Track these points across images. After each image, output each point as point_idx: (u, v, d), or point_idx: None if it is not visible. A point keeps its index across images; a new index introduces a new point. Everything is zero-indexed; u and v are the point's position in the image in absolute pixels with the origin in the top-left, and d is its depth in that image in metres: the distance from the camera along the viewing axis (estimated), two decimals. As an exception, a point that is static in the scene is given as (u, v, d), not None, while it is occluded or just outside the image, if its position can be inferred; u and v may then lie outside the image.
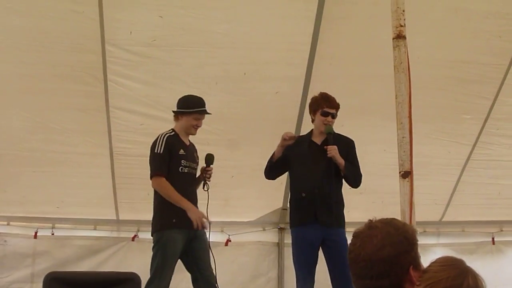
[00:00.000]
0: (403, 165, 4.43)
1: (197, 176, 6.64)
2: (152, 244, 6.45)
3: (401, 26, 4.52)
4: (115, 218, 8.66)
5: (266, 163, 6.64)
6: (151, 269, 6.36)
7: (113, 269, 8.17)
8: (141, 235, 8.66)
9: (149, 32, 7.07)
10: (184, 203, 6.28)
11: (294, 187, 6.62)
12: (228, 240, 8.75)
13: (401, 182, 4.43)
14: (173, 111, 6.56)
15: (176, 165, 6.41)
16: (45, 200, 8.31)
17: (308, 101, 7.61)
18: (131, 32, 7.01)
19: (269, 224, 9.06)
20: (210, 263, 6.51)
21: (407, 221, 4.30)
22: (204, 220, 6.35)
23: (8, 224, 8.44)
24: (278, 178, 8.38)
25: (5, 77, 7.28)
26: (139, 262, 8.35)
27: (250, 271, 8.92)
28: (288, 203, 6.86)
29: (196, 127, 6.55)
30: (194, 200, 6.51)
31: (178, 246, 6.33)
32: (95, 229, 8.67)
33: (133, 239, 8.67)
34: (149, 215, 8.42)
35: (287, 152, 6.49)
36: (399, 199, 4.45)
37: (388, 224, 2.76)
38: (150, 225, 8.40)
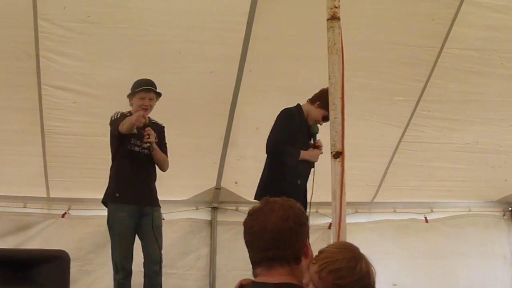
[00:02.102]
0: (335, 145, 4.43)
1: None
2: None
3: (336, 7, 4.50)
4: (46, 195, 8.52)
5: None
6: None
7: (41, 247, 8.01)
8: (72, 212, 8.61)
9: (84, 8, 6.91)
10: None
11: (289, 172, 6.60)
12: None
13: (333, 162, 4.43)
14: (127, 96, 6.73)
15: (125, 143, 6.58)
16: (-27, 177, 8.13)
17: (244, 80, 7.68)
18: (64, 8, 6.83)
19: (202, 203, 9.08)
20: (155, 239, 6.63)
21: (338, 201, 4.33)
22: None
23: None
24: (211, 157, 8.45)
25: None
26: (69, 239, 8.35)
27: (180, 248, 8.91)
28: (262, 187, 6.71)
29: (143, 106, 6.62)
30: (142, 178, 6.67)
31: (125, 225, 6.59)
32: (25, 207, 8.53)
33: (63, 216, 8.57)
34: (80, 193, 8.43)
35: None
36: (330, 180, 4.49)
37: (285, 200, 2.91)
38: (81, 203, 8.50)
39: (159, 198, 8.48)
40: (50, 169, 8.16)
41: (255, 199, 6.71)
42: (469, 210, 9.87)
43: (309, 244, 2.90)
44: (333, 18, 4.48)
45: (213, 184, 8.86)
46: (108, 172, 7.33)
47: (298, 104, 6.84)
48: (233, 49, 7.47)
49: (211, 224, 9.10)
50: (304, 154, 6.59)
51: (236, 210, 9.07)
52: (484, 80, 8.15)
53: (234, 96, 7.85)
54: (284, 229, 2.78)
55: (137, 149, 6.61)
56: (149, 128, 6.54)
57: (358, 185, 8.81)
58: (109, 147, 6.76)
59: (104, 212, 8.47)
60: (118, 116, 6.57)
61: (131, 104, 6.69)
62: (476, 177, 9.34)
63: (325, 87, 6.59)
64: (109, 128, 6.67)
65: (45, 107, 7.55)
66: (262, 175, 6.78)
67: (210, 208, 9.10)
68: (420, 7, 7.45)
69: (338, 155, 4.44)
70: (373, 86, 8.02)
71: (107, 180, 7.67)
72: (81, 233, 8.60)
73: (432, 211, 9.70)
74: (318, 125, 6.75)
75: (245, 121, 8.05)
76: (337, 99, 4.45)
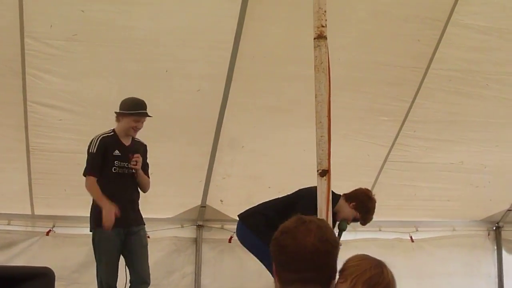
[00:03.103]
0: (321, 163, 4.45)
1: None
2: None
3: (323, 26, 4.53)
4: (30, 213, 8.46)
5: None
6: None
7: (25, 264, 7.98)
8: (57, 230, 8.54)
9: (70, 26, 6.91)
10: (101, 202, 6.39)
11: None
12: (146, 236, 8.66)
13: (319, 180, 4.46)
14: (115, 112, 6.68)
15: (109, 165, 6.56)
16: (-44, 194, 8.06)
17: (230, 99, 7.68)
18: (51, 26, 6.84)
19: (187, 221, 9.02)
20: (144, 258, 6.75)
21: (324, 219, 4.35)
22: (113, 220, 6.36)
23: None
24: (196, 175, 8.43)
25: None
26: (54, 257, 8.29)
27: (165, 266, 8.88)
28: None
29: (136, 129, 6.69)
30: (127, 200, 6.67)
31: (111, 243, 6.54)
32: (9, 224, 8.45)
33: (47, 233, 8.49)
34: (65, 211, 8.39)
35: None
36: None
37: (319, 220, 2.91)
38: (66, 221, 8.44)
39: (144, 216, 8.50)
40: (34, 186, 8.10)
41: (239, 216, 6.76)
42: (454, 230, 9.91)
43: None
44: (320, 37, 4.51)
45: (198, 202, 8.82)
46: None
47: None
48: (219, 67, 7.48)
49: (196, 242, 9.04)
50: None
51: (222, 228, 9.02)
52: (469, 100, 8.24)
53: (220, 114, 7.85)
54: (322, 251, 2.70)
55: (121, 171, 6.61)
56: (138, 155, 6.62)
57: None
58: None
59: (88, 230, 8.52)
60: (95, 148, 6.54)
61: (119, 121, 6.68)
62: (460, 197, 9.41)
63: (363, 187, 6.84)
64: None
65: (31, 124, 7.51)
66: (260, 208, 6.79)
67: (195, 226, 9.03)
68: (406, 28, 7.51)
69: (324, 173, 4.46)
70: (359, 105, 8.06)
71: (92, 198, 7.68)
72: (66, 252, 8.52)
73: (417, 230, 9.72)
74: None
75: (231, 139, 8.05)
76: (324, 117, 4.47)
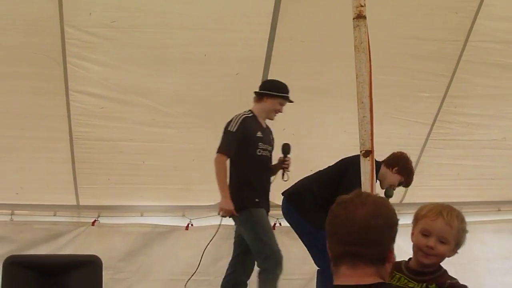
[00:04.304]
0: (364, 144, 4.43)
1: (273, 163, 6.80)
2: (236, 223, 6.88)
3: (361, 6, 4.51)
4: (75, 203, 8.54)
5: None
6: (255, 247, 6.55)
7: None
8: (102, 220, 8.59)
9: (109, 13, 6.99)
10: (223, 190, 6.46)
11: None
12: (190, 224, 8.70)
13: (362, 161, 4.45)
14: (257, 92, 6.70)
15: (253, 147, 6.56)
16: (3, 187, 8.16)
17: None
18: (90, 14, 6.93)
19: (230, 207, 9.00)
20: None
21: None
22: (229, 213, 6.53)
23: (-35, 212, 8.32)
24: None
25: (-41, 61, 7.16)
26: (100, 247, 8.32)
27: (211, 254, 8.87)
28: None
29: (277, 112, 6.70)
30: (267, 185, 6.73)
31: (267, 219, 6.69)
32: (55, 215, 8.55)
33: (93, 223, 8.56)
34: (110, 200, 8.45)
35: None
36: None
37: (380, 197, 2.78)
38: (111, 210, 8.47)
39: (187, 204, 8.56)
40: (79, 176, 8.18)
41: (283, 193, 6.78)
42: (499, 210, 9.65)
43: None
44: (359, 16, 4.49)
45: (240, 188, 8.80)
46: (138, 178, 7.42)
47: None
48: (257, 50, 7.51)
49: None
50: None
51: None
52: (510, 73, 8.12)
53: (259, 98, 7.84)
54: (371, 225, 2.57)
55: (264, 153, 6.64)
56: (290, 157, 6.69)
57: (386, 184, 8.80)
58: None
59: (133, 219, 8.61)
60: (235, 128, 6.51)
61: (260, 101, 6.70)
62: (505, 175, 9.17)
63: (396, 151, 6.85)
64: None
65: (73, 113, 7.61)
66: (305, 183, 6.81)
67: (238, 212, 9.02)
68: (443, 1, 7.45)
69: (367, 153, 4.44)
70: (398, 82, 8.00)
71: (136, 186, 7.77)
72: (112, 241, 8.58)
73: (462, 212, 9.50)
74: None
75: (272, 122, 8.05)
76: (366, 97, 4.45)
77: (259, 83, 7.68)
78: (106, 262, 7.91)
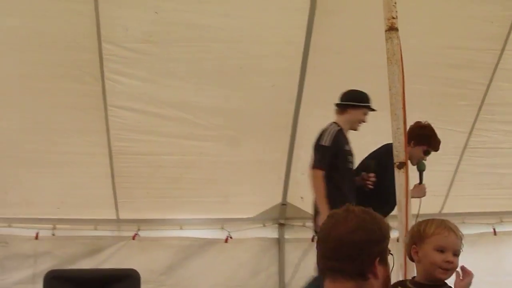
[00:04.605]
0: (398, 156, 4.46)
1: None
2: None
3: (393, 18, 4.55)
4: (115, 217, 8.63)
5: None
6: None
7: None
8: (142, 234, 8.66)
9: (145, 28, 7.09)
10: (323, 205, 6.28)
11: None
12: (229, 237, 8.74)
13: (397, 173, 4.47)
14: (339, 104, 6.64)
15: (344, 160, 6.51)
16: (45, 201, 8.28)
17: (305, 94, 7.72)
18: (127, 29, 7.04)
19: (269, 220, 9.01)
20: None
21: (403, 212, 4.35)
22: None
23: (9, 226, 8.43)
24: (275, 173, 8.46)
25: (3, 78, 7.29)
26: (140, 261, 8.41)
27: (250, 267, 8.91)
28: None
29: (362, 122, 6.64)
30: (355, 198, 6.49)
31: None
32: (95, 229, 8.64)
33: (133, 237, 8.65)
34: (149, 214, 8.53)
35: None
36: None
37: (366, 212, 2.77)
38: (151, 224, 8.54)
39: (226, 216, 8.60)
40: (118, 190, 8.28)
41: None
42: None
43: (384, 265, 2.75)
44: (391, 29, 4.53)
45: (279, 200, 8.83)
46: (176, 191, 7.49)
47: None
48: (292, 62, 7.55)
49: (279, 242, 9.06)
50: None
51: (303, 226, 8.85)
52: (547, 80, 8.09)
53: (296, 109, 7.90)
54: (346, 241, 2.65)
55: (351, 166, 6.63)
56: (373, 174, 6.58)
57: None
58: None
59: (172, 232, 8.67)
60: (330, 142, 6.38)
61: (343, 113, 6.62)
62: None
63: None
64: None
65: (112, 128, 7.72)
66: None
67: (277, 225, 9.02)
68: (478, 11, 7.44)
69: (401, 165, 4.47)
70: (435, 91, 8.00)
71: (175, 199, 7.85)
72: (152, 255, 8.64)
73: (502, 221, 9.40)
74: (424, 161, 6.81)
75: (308, 134, 8.05)
76: (399, 109, 4.48)
77: (295, 95, 7.74)
78: (147, 275, 8.11)
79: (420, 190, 6.79)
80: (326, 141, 6.40)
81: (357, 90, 6.70)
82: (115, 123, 7.71)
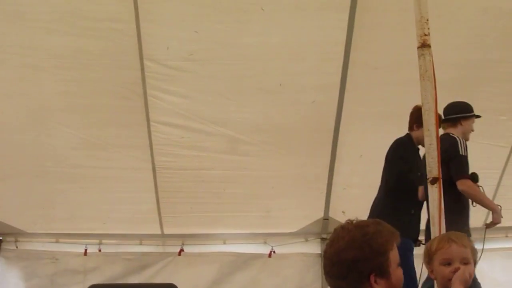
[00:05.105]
0: (431, 171, 4.48)
1: None
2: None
3: (425, 35, 4.58)
4: (160, 232, 8.78)
5: None
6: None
7: (160, 284, 8.30)
8: (187, 249, 8.81)
9: (186, 47, 7.24)
10: (492, 206, 6.50)
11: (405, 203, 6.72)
12: (272, 252, 8.82)
13: (430, 188, 4.50)
14: (451, 117, 6.64)
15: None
16: (91, 216, 8.51)
17: (345, 108, 7.78)
18: (168, 48, 7.20)
19: (311, 234, 9.07)
20: None
21: (437, 228, 4.37)
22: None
23: (57, 241, 8.64)
24: (317, 187, 8.51)
25: (49, 95, 7.54)
26: (186, 276, 8.55)
27: (295, 282, 8.95)
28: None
29: (472, 131, 6.77)
30: None
31: None
32: (140, 244, 8.81)
33: (179, 253, 8.79)
34: (193, 229, 8.64)
35: None
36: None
37: (358, 228, 2.83)
38: (194, 238, 8.62)
39: (269, 231, 8.67)
40: (162, 205, 8.44)
41: None
42: None
43: (387, 278, 2.80)
44: (424, 45, 4.56)
45: (321, 214, 8.88)
46: (219, 206, 7.61)
47: (407, 133, 6.95)
48: (332, 78, 7.61)
49: (322, 257, 9.05)
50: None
51: (346, 241, 8.96)
52: None
53: (336, 124, 7.96)
54: (336, 260, 2.75)
55: None
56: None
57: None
58: None
59: (216, 247, 8.76)
60: (466, 151, 6.41)
61: (456, 126, 6.62)
62: None
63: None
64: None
65: (155, 143, 7.88)
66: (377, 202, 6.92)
67: (319, 239, 9.07)
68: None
69: (435, 181, 4.49)
70: (476, 106, 7.93)
71: (218, 214, 7.96)
72: (197, 270, 8.78)
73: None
74: None
75: (348, 149, 8.12)
76: (432, 125, 4.50)
77: (335, 111, 7.78)
78: (189, 288, 8.23)
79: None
80: (463, 151, 6.41)
81: (461, 102, 6.74)
82: (159, 138, 7.87)
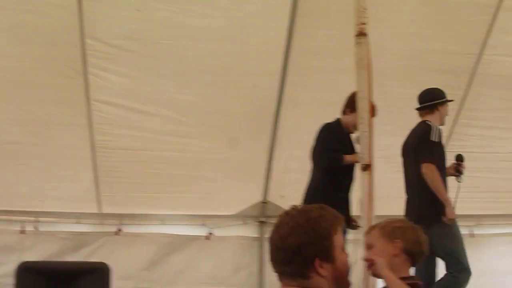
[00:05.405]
0: (363, 158, 4.55)
1: None
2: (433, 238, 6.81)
3: (363, 24, 4.67)
4: (98, 211, 8.70)
5: None
6: (454, 258, 6.61)
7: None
8: (124, 229, 8.73)
9: (128, 25, 7.20)
10: (445, 196, 6.58)
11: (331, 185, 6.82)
12: (210, 234, 8.83)
13: (361, 175, 4.56)
14: (427, 104, 6.83)
15: (444, 158, 6.81)
16: (28, 194, 8.36)
17: (286, 93, 7.83)
18: (110, 26, 7.15)
19: (250, 217, 9.07)
20: None
21: (366, 213, 4.44)
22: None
23: (-7, 217, 8.54)
24: (257, 171, 8.55)
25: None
26: (123, 256, 8.51)
27: (232, 265, 8.98)
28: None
29: (447, 115, 6.95)
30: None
31: None
32: (78, 222, 8.72)
33: (117, 233, 8.74)
34: (131, 209, 8.60)
35: None
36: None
37: (302, 213, 2.78)
38: (133, 218, 8.56)
39: (207, 213, 8.66)
40: (101, 184, 8.35)
41: None
42: None
43: (331, 262, 2.76)
44: (361, 34, 4.64)
45: (259, 198, 8.90)
46: (159, 187, 7.59)
47: (337, 118, 7.02)
48: (274, 63, 7.64)
49: (260, 240, 9.14)
50: (350, 157, 6.67)
51: (284, 224, 8.98)
52: (525, 86, 8.19)
53: (276, 109, 8.00)
54: (280, 246, 2.71)
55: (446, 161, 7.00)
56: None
57: (402, 197, 8.83)
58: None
59: (154, 228, 8.73)
60: (437, 137, 6.62)
61: (433, 112, 6.79)
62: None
63: None
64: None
65: (95, 122, 7.80)
66: (306, 187, 6.98)
67: (258, 223, 9.08)
68: (457, 15, 7.55)
69: (366, 167, 4.56)
70: (414, 96, 8.06)
71: (157, 195, 7.93)
72: (135, 250, 8.71)
73: (479, 224, 9.49)
74: None
75: (288, 134, 8.16)
76: (366, 112, 4.59)
77: (276, 95, 7.82)
78: (129, 271, 8.21)
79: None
80: (435, 137, 6.57)
81: (435, 88, 6.91)
82: (99, 117, 7.79)
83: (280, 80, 7.77)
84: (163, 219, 8.79)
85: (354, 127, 6.66)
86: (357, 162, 6.20)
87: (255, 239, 9.13)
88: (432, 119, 6.75)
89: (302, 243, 2.69)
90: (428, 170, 6.45)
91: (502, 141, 8.64)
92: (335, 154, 6.74)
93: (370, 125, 4.63)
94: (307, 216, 2.75)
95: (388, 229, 3.61)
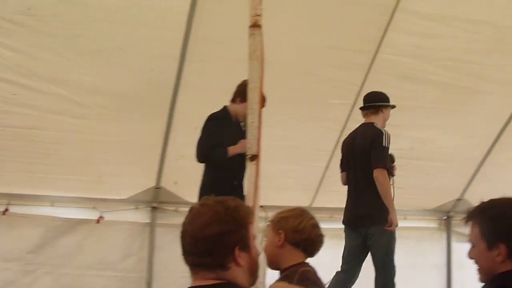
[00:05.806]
0: (251, 148, 4.59)
1: None
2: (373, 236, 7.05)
3: (257, 15, 4.69)
4: (-17, 190, 8.44)
5: None
6: (389, 263, 6.95)
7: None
8: (12, 209, 8.42)
9: (25, 1, 6.99)
10: (393, 206, 6.87)
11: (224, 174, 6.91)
12: (100, 217, 8.69)
13: (249, 165, 4.60)
14: (374, 105, 7.11)
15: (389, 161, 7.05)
16: None
17: (183, 79, 7.81)
18: (6, 0, 6.95)
19: (142, 202, 8.97)
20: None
21: (251, 203, 4.47)
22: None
23: None
24: (151, 156, 8.50)
25: None
26: (9, 238, 8.28)
27: (121, 250, 8.89)
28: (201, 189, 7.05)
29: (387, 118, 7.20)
30: None
31: None
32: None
33: (3, 213, 8.48)
34: (20, 189, 8.36)
35: None
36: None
37: (220, 203, 2.80)
38: (21, 199, 8.33)
39: (99, 196, 8.54)
40: (-13, 162, 8.09)
41: None
42: (405, 218, 9.74)
43: (248, 251, 2.82)
44: (255, 25, 4.67)
45: (153, 183, 8.84)
46: (49, 167, 7.43)
47: (224, 106, 7.07)
48: (173, 47, 7.62)
49: (151, 225, 9.08)
50: (234, 149, 6.74)
51: (176, 211, 8.97)
52: (418, 86, 8.42)
53: (173, 94, 7.96)
54: (201, 236, 2.71)
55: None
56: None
57: (296, 188, 8.95)
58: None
59: (43, 209, 8.52)
60: (389, 143, 6.97)
61: (377, 113, 7.10)
62: (412, 185, 9.39)
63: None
64: None
65: (-16, 98, 7.54)
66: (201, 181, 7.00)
67: (150, 208, 9.01)
68: (354, 13, 7.72)
69: (253, 158, 4.61)
70: (309, 89, 8.19)
71: (47, 176, 7.75)
72: (21, 232, 8.44)
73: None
74: None
75: (184, 120, 8.14)
76: (256, 103, 4.62)
77: (174, 80, 7.79)
78: (15, 253, 7.99)
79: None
80: (386, 142, 6.89)
81: (381, 92, 7.20)
82: (-13, 93, 7.53)
83: (178, 65, 7.74)
84: (52, 201, 8.54)
85: (243, 117, 6.74)
86: (243, 151, 6.38)
87: (147, 225, 9.06)
88: (376, 120, 7.07)
89: (224, 231, 2.72)
90: (381, 175, 6.79)
91: (393, 138, 8.80)
92: (216, 150, 6.85)
93: (259, 116, 4.66)
94: (225, 206, 2.79)
95: (275, 220, 3.69)
